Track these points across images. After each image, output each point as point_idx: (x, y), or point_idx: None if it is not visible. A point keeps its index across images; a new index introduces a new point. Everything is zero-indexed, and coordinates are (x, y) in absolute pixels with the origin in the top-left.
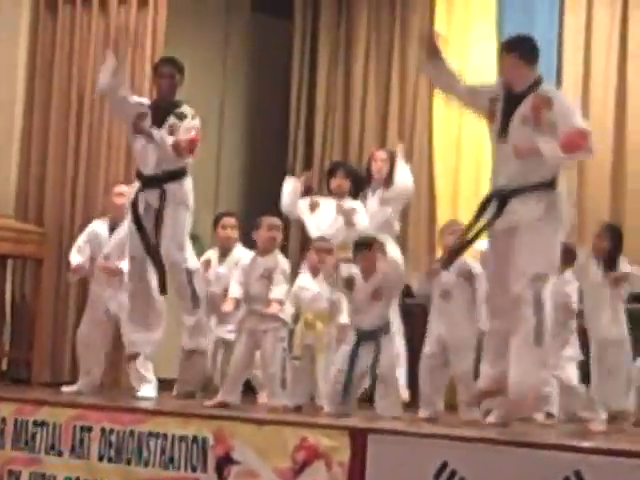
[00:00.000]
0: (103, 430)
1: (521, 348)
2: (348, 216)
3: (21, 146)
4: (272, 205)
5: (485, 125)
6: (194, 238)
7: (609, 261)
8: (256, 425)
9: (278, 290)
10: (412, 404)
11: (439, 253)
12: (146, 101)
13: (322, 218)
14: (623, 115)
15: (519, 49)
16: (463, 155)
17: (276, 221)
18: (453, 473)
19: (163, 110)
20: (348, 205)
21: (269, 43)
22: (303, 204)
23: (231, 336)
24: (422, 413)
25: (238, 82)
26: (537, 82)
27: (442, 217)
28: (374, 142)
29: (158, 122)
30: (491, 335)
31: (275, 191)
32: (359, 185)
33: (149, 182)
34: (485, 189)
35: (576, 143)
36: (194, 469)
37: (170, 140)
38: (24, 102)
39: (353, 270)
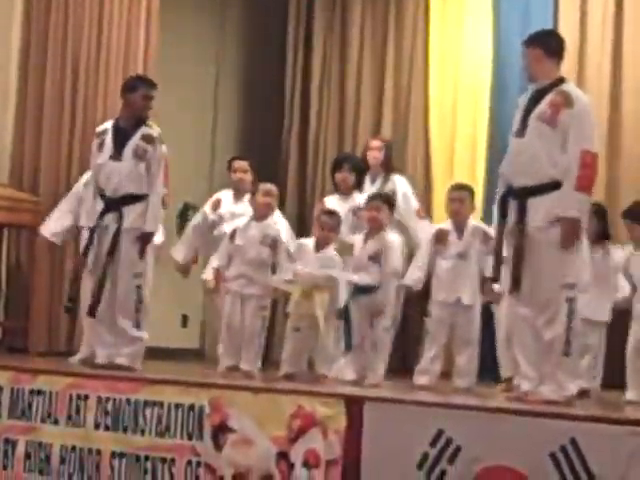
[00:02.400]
0: (99, 398)
1: (551, 357)
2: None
3: (16, 115)
4: (266, 176)
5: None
6: (190, 208)
7: (597, 242)
8: (252, 393)
9: (280, 275)
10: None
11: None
12: (104, 127)
13: None
14: (617, 108)
15: (543, 43)
16: (458, 132)
17: (272, 187)
18: (449, 441)
19: (125, 131)
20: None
21: (264, 11)
22: None
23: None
24: (419, 380)
25: (233, 55)
26: (561, 80)
27: (438, 195)
28: (369, 117)
29: (120, 144)
30: (520, 320)
31: (269, 161)
32: (363, 178)
33: (109, 204)
34: (480, 169)
35: (590, 178)
36: (190, 437)
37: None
38: (18, 70)
39: (354, 237)
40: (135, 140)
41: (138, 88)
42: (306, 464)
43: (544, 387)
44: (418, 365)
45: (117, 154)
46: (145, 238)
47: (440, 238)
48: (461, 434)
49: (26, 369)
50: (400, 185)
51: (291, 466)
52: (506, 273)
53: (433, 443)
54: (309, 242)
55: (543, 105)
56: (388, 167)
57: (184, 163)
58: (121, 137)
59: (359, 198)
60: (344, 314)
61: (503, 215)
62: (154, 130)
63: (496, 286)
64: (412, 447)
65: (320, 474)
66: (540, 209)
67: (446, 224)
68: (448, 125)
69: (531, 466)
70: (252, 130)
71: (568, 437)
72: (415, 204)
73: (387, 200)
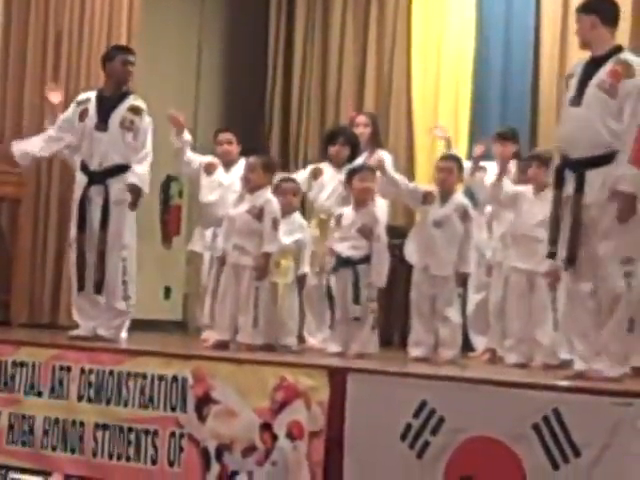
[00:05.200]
0: (82, 370)
1: (611, 333)
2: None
3: None
4: (250, 146)
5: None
6: (173, 179)
7: None
8: (235, 365)
9: (269, 244)
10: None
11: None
12: (86, 96)
13: (323, 187)
14: None
15: (599, 9)
16: (441, 105)
17: (255, 162)
18: (432, 412)
19: (109, 101)
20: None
21: None
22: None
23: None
24: (413, 352)
25: (215, 24)
26: (619, 48)
27: (421, 168)
28: (352, 88)
29: (105, 113)
30: (578, 296)
31: (253, 131)
32: (357, 151)
33: (94, 177)
34: (462, 142)
35: None
36: (173, 409)
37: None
38: (0, 43)
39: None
40: (121, 111)
41: (116, 55)
42: (290, 435)
43: (601, 364)
44: (409, 337)
45: (102, 124)
46: (136, 190)
47: (427, 199)
48: (444, 405)
49: (8, 341)
50: (385, 158)
51: (275, 437)
52: (562, 248)
53: (416, 414)
54: None
55: (602, 74)
56: (375, 142)
57: (166, 135)
58: (106, 107)
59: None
60: (327, 288)
61: (559, 186)
62: (138, 101)
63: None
64: (395, 418)
65: (304, 445)
66: (597, 182)
67: (433, 189)
68: (431, 97)
69: (514, 437)
70: (235, 101)
71: (551, 408)
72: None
73: (374, 171)
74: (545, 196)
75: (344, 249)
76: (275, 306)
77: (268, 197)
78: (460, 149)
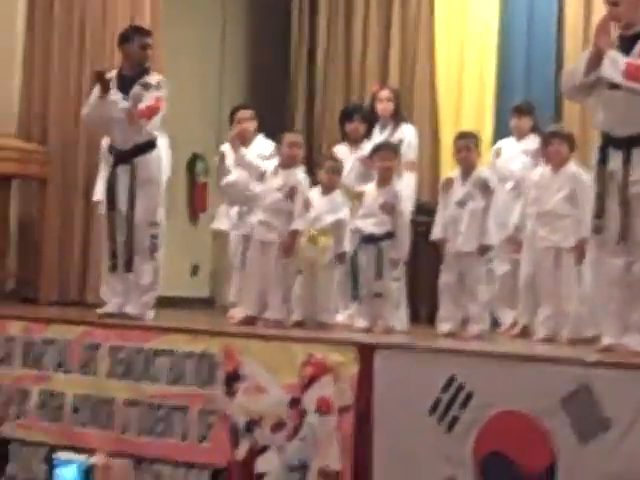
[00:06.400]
0: (111, 347)
1: None
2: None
3: (23, 66)
4: (274, 125)
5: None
6: (198, 158)
7: None
8: (264, 341)
9: (298, 222)
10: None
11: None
12: (110, 75)
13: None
14: None
15: None
16: (465, 80)
17: (297, 137)
18: (460, 387)
19: (130, 79)
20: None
21: None
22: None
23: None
24: (442, 327)
25: (239, 2)
26: None
27: (445, 145)
28: (376, 65)
29: (125, 92)
30: (610, 272)
31: (277, 110)
32: (373, 127)
33: (119, 157)
34: (488, 118)
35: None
36: (202, 385)
37: (124, 104)
38: (25, 20)
39: (363, 186)
40: (135, 88)
41: (134, 38)
42: (318, 410)
43: (630, 338)
44: (438, 313)
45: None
46: None
47: (445, 186)
48: (473, 380)
49: (38, 318)
50: (408, 134)
51: (303, 413)
52: (610, 222)
53: (445, 389)
54: (313, 191)
55: (637, 51)
56: (398, 117)
57: (191, 114)
58: (125, 86)
59: (368, 147)
60: (352, 264)
61: (602, 163)
62: (153, 77)
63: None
64: (424, 393)
65: (333, 420)
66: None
67: (454, 172)
68: (455, 72)
69: (543, 411)
70: (259, 80)
71: (580, 382)
72: (412, 156)
73: (395, 149)
74: (565, 172)
75: (367, 225)
76: (312, 283)
77: (301, 176)
78: (486, 124)
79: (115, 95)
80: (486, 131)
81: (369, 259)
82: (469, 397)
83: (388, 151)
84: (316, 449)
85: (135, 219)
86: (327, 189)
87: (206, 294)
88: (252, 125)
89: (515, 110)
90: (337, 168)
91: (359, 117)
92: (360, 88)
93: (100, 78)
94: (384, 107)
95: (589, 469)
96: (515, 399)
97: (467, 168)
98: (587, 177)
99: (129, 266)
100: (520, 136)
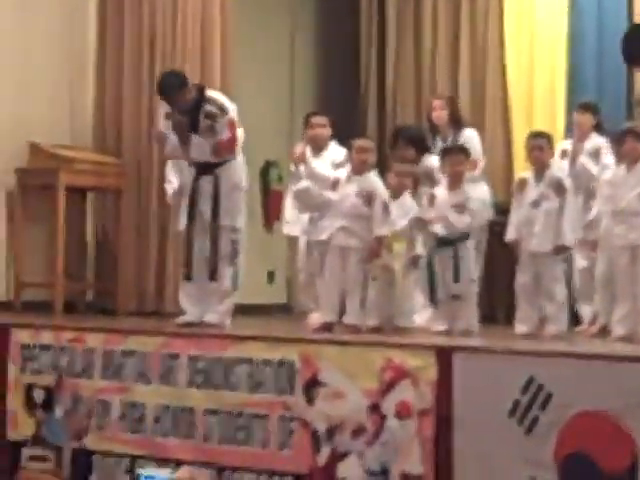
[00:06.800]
0: (190, 357)
1: None
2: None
3: (96, 81)
4: (345, 132)
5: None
6: (271, 165)
7: None
8: (341, 347)
9: (382, 227)
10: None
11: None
12: (168, 109)
13: None
14: None
15: None
16: (536, 84)
17: (366, 143)
18: (540, 388)
19: (190, 113)
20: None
21: None
22: None
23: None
24: (519, 328)
25: (309, 9)
26: None
27: (518, 148)
28: (446, 73)
29: (190, 125)
30: None
31: (348, 116)
32: (424, 146)
33: (202, 169)
34: (560, 120)
35: None
36: (281, 392)
37: (208, 146)
38: (97, 35)
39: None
40: (203, 123)
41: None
42: (398, 415)
43: None
44: (515, 314)
45: (186, 138)
46: None
47: (519, 186)
48: (552, 381)
49: (117, 330)
50: (470, 138)
51: (383, 417)
52: None
53: (524, 390)
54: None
55: None
56: (457, 122)
57: (263, 121)
58: (188, 119)
59: (429, 160)
60: (428, 269)
61: None
62: (213, 104)
63: None
64: (503, 395)
65: (413, 424)
66: None
67: (527, 173)
68: (525, 77)
69: (623, 411)
70: (330, 86)
71: None
72: (477, 157)
73: (463, 150)
74: (638, 169)
75: (441, 229)
76: (391, 289)
77: (376, 181)
78: (557, 122)
79: (196, 139)
80: (558, 131)
81: (445, 262)
82: (548, 398)
83: (458, 154)
84: (397, 454)
85: (219, 224)
86: (396, 193)
87: (283, 300)
88: (326, 131)
89: (579, 106)
90: (366, 147)
91: (403, 141)
92: (430, 89)
93: (161, 139)
94: (438, 115)
95: None
96: (595, 399)
97: (540, 168)
98: None
99: (213, 275)
100: (580, 133)
